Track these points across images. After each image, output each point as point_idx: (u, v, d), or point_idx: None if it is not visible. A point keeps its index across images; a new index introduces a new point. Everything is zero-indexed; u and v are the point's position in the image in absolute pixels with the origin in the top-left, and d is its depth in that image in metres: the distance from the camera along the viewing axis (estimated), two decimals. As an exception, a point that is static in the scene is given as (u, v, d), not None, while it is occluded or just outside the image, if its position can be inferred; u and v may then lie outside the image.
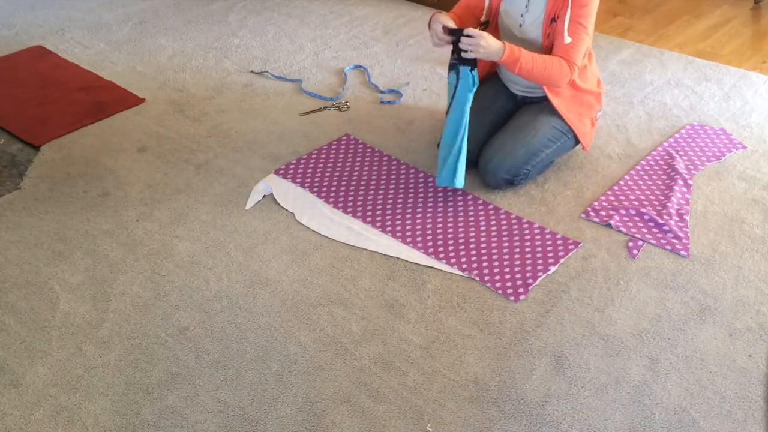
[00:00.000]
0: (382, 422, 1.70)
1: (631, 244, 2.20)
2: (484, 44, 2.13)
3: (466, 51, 2.15)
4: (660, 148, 2.63)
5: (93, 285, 2.10)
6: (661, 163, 2.56)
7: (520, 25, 2.33)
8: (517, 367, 1.83)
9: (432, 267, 2.14)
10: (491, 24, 2.41)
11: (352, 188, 2.46)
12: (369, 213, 2.34)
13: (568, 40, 2.21)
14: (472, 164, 2.47)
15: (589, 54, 2.38)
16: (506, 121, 2.49)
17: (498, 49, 2.16)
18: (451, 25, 2.20)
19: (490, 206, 2.36)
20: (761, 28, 3.59)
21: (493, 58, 2.17)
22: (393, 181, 2.49)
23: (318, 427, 1.69)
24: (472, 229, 2.27)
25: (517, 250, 2.18)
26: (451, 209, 2.35)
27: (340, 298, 2.04)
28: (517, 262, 2.13)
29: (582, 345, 1.89)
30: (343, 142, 2.70)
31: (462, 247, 2.20)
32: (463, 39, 2.15)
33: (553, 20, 2.24)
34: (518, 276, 2.09)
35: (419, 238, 2.23)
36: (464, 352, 1.88)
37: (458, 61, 2.21)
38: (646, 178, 2.49)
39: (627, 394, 1.76)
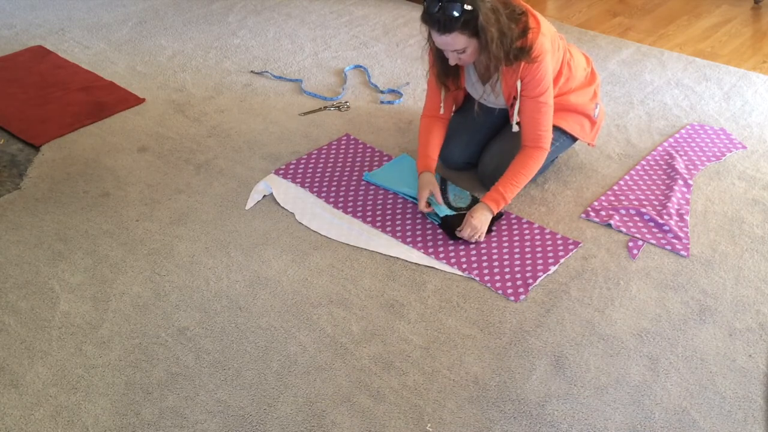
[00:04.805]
0: (382, 422, 1.70)
1: (631, 244, 2.20)
2: (477, 232, 2.17)
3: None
4: (660, 148, 2.63)
5: (93, 285, 2.10)
6: (661, 163, 2.56)
7: (483, 99, 2.34)
8: (517, 367, 1.83)
9: (432, 267, 2.14)
10: (459, 93, 2.39)
11: (352, 188, 2.46)
12: (369, 213, 2.34)
13: (515, 129, 2.20)
14: (472, 166, 2.47)
15: (571, 54, 2.31)
16: (504, 124, 2.48)
17: (488, 216, 2.19)
18: (437, 197, 2.25)
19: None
20: (761, 28, 3.59)
21: (488, 222, 2.20)
22: (393, 181, 2.49)
23: (318, 427, 1.69)
24: (472, 229, 2.27)
25: (517, 250, 2.18)
26: (451, 209, 2.35)
27: (340, 298, 2.04)
28: (517, 262, 2.13)
29: (582, 345, 1.89)
30: (343, 142, 2.70)
31: (462, 247, 2.19)
32: (459, 234, 2.19)
33: (514, 98, 2.20)
34: (518, 276, 2.09)
35: (419, 238, 2.23)
36: (464, 352, 1.88)
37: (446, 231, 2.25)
38: (646, 178, 2.49)
39: (627, 394, 1.76)
